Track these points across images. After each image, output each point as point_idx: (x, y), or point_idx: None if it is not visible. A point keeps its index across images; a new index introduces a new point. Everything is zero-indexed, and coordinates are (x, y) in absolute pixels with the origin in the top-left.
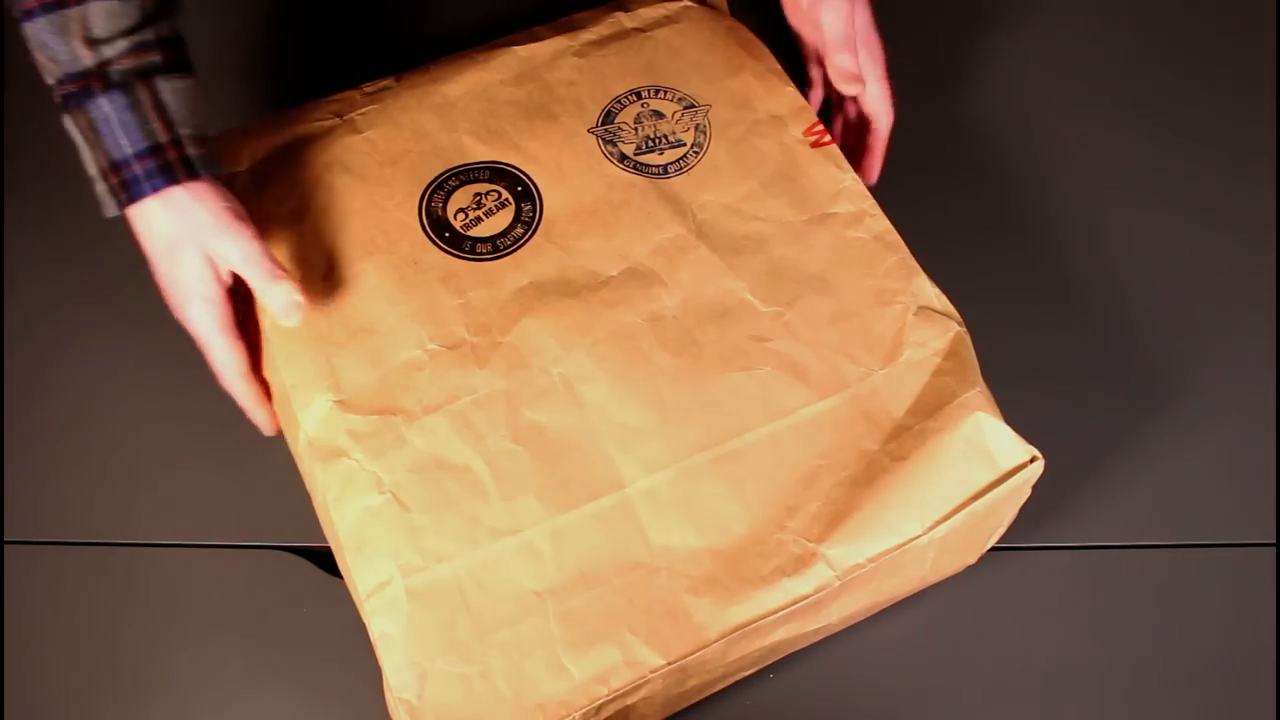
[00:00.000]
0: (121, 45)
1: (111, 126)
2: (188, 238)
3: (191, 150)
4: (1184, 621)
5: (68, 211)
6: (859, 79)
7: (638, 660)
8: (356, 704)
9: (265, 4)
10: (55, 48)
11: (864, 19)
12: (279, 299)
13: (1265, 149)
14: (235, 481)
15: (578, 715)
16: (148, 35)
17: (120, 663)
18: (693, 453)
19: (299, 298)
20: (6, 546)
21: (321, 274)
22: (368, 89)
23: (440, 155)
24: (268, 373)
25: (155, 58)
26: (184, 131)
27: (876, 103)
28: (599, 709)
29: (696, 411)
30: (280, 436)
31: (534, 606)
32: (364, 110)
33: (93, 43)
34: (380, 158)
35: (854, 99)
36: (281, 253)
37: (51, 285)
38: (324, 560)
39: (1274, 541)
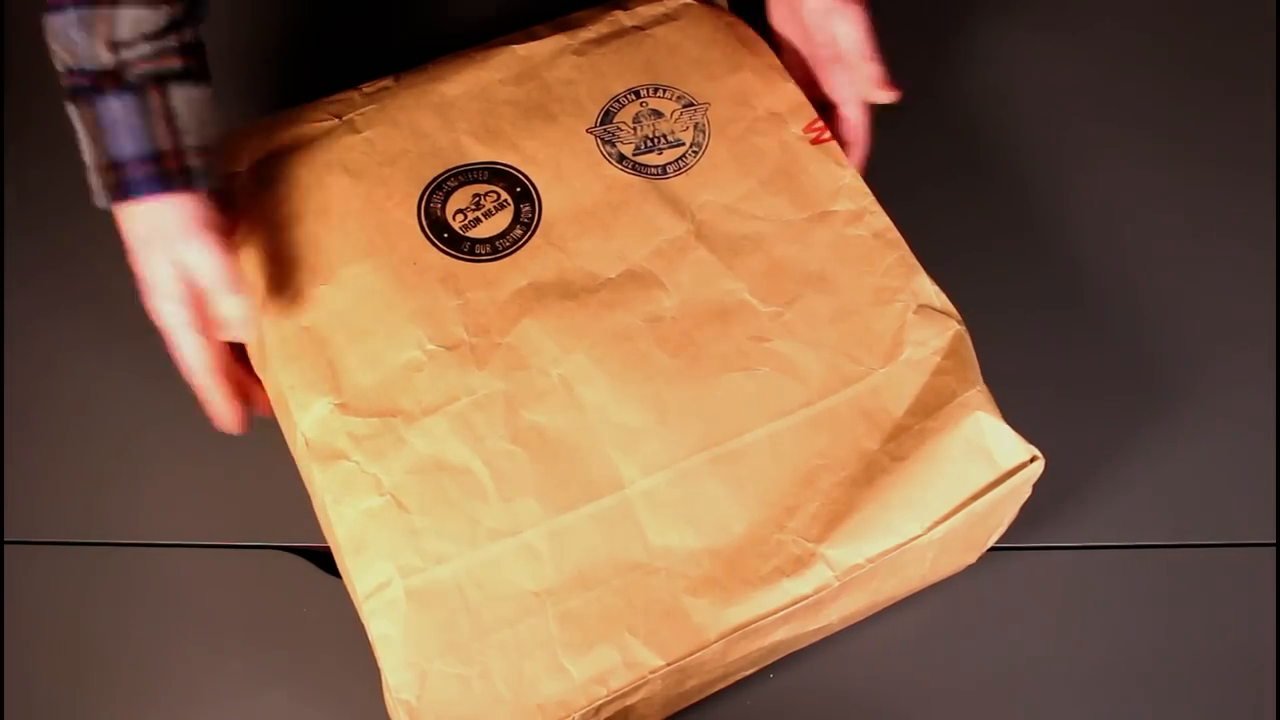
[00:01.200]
0: (143, 49)
1: (117, 127)
2: (158, 240)
3: (193, 161)
4: (1184, 621)
5: (67, 212)
6: (893, 85)
7: (637, 661)
8: (356, 704)
9: (264, 5)
10: (77, 41)
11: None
12: (232, 312)
13: (1266, 153)
14: (235, 481)
15: (577, 716)
16: (170, 41)
17: (120, 663)
18: (692, 453)
19: (252, 313)
20: (6, 546)
21: (321, 275)
22: (367, 89)
23: (439, 155)
24: (261, 373)
25: (173, 64)
26: (189, 141)
27: (857, 129)
28: (598, 710)
29: (695, 412)
30: (282, 438)
31: (533, 607)
32: (363, 110)
33: (114, 45)
34: (379, 158)
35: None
36: (280, 253)
37: (51, 285)
38: (324, 560)
39: (1274, 541)
